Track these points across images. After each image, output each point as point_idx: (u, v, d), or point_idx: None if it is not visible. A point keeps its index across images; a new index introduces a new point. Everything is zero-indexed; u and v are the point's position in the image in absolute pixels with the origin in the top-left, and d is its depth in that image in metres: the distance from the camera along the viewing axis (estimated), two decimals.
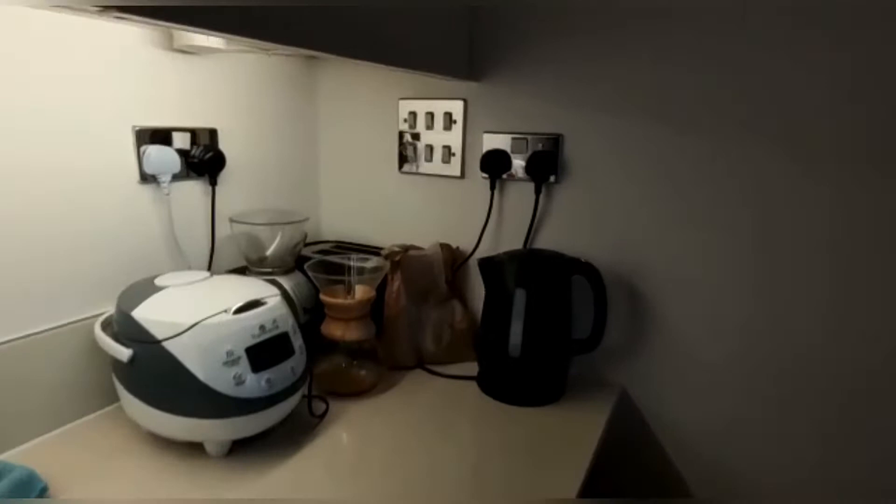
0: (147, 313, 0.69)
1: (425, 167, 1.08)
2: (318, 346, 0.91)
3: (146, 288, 0.74)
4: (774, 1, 0.76)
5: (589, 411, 0.88)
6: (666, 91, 0.85)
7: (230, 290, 0.77)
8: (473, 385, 0.95)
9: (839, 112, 0.76)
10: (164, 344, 0.67)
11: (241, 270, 0.98)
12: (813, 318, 0.82)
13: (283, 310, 0.77)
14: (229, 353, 0.68)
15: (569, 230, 0.97)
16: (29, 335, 0.73)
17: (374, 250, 1.11)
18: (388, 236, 1.15)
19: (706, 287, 0.88)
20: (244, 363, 0.69)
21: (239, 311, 0.71)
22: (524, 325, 0.87)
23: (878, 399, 0.81)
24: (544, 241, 1.00)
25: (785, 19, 0.76)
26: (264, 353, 0.71)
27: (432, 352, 1.02)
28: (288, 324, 0.76)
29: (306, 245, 1.13)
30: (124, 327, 0.70)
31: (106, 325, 0.75)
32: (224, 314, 0.70)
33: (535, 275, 0.88)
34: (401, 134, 1.09)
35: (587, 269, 0.88)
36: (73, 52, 0.73)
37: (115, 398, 0.77)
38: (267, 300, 0.75)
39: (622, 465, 1.01)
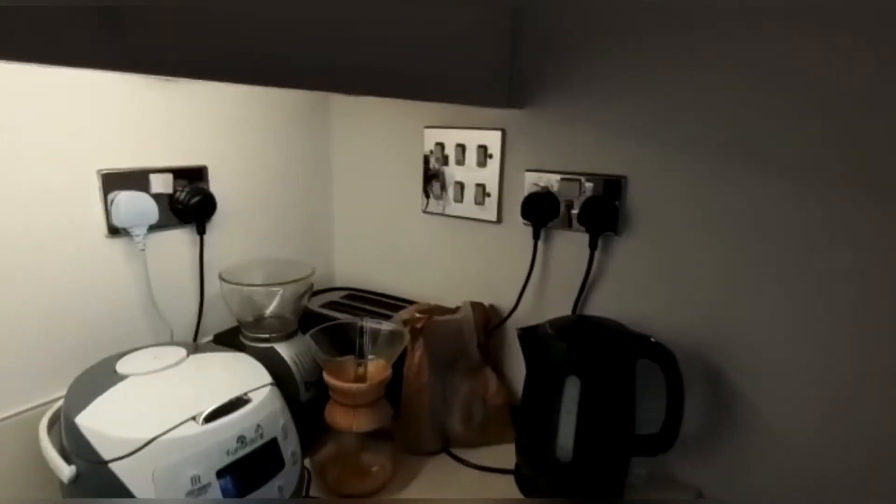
0: (93, 421, 0.53)
1: (454, 208, 0.91)
2: (322, 425, 0.75)
3: (102, 377, 0.59)
4: None
5: None
6: (767, 125, 0.66)
7: (208, 378, 0.61)
8: (511, 482, 0.77)
9: None
10: (112, 466, 0.51)
11: (234, 331, 0.83)
12: None
13: (274, 405, 0.61)
14: (195, 480, 0.52)
15: (631, 294, 0.78)
16: None
17: (393, 303, 0.95)
18: (410, 285, 0.99)
19: (813, 375, 0.68)
20: (215, 490, 0.53)
21: (212, 416, 0.55)
22: (577, 421, 0.68)
23: None
24: (598, 306, 0.81)
25: None
26: (243, 473, 0.55)
27: (461, 433, 0.84)
28: (278, 426, 0.60)
29: (315, 294, 0.98)
30: (68, 436, 0.55)
31: (54, 422, 0.60)
32: (192, 423, 0.54)
33: (592, 358, 0.70)
34: (426, 168, 0.93)
35: (659, 353, 0.69)
36: (18, 82, 0.59)
37: None
38: (252, 395, 0.59)
39: None
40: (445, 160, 0.90)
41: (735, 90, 0.67)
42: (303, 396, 0.78)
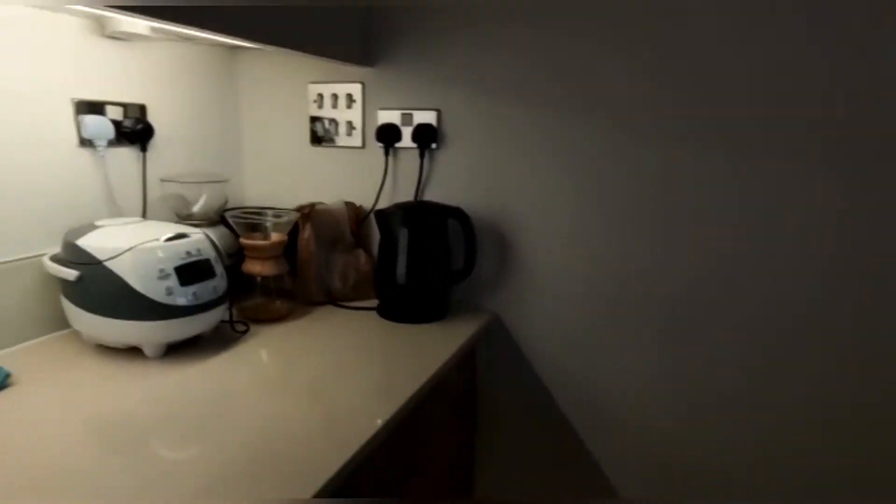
0: (90, 241, 0.86)
1: (332, 140, 1.29)
2: (241, 286, 1.09)
3: (88, 227, 0.91)
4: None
5: (462, 328, 1.11)
6: (524, 76, 1.10)
7: (161, 228, 0.94)
8: (374, 314, 1.16)
9: (645, 87, 1.03)
10: (106, 263, 0.84)
11: None
12: (646, 251, 1.09)
13: (207, 243, 0.96)
14: (161, 271, 0.86)
15: (449, 186, 1.21)
16: None
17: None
18: (304, 200, 1.35)
19: (568, 231, 1.13)
20: (174, 279, 0.87)
21: (169, 240, 0.89)
22: (408, 258, 1.09)
23: (698, 308, 1.08)
24: (430, 196, 1.23)
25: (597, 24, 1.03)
26: (190, 272, 0.89)
27: (340, 289, 1.22)
28: (211, 254, 0.95)
29: (231, 209, 1.31)
30: (71, 254, 0.86)
31: (54, 259, 0.91)
32: (156, 241, 0.87)
33: (417, 219, 1.11)
34: (311, 112, 1.30)
35: (458, 213, 1.12)
36: (16, 37, 0.90)
37: (63, 325, 0.93)
38: (192, 235, 0.94)
39: (502, 383, 1.25)
40: (324, 106, 1.28)
41: (514, 57, 1.10)
42: (225, 262, 1.11)
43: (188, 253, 0.90)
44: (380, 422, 0.73)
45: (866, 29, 0.89)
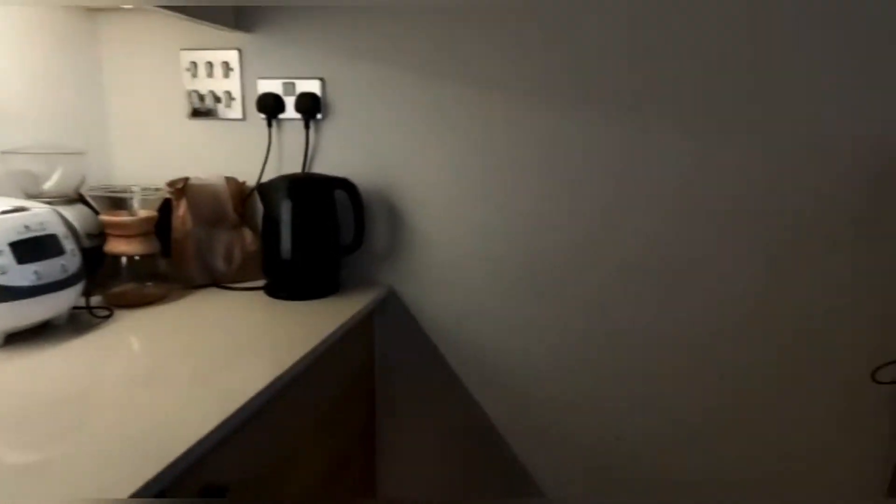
0: None
1: (211, 112, 1.20)
2: (108, 271, 0.99)
3: None
4: None
5: (354, 302, 1.07)
6: (408, 45, 1.08)
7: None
8: (261, 293, 1.10)
9: (534, 57, 1.04)
10: None
11: None
12: (534, 217, 1.11)
13: (53, 218, 0.85)
14: None
15: (337, 159, 1.16)
16: None
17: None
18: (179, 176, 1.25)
19: (451, 199, 1.13)
20: (8, 256, 0.76)
21: (3, 213, 0.78)
22: (292, 231, 1.04)
23: (568, 267, 1.11)
24: (318, 170, 1.18)
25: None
26: (30, 248, 0.79)
27: (225, 271, 1.14)
28: (59, 229, 0.85)
29: (94, 188, 1.19)
30: None
31: None
32: None
33: (302, 190, 1.05)
34: (185, 82, 1.20)
35: (345, 184, 1.08)
36: None
37: None
38: (33, 208, 0.83)
39: (400, 357, 1.23)
40: (199, 75, 1.19)
41: (404, 29, 1.07)
42: (84, 244, 1.01)
43: (27, 227, 0.79)
44: (245, 397, 0.68)
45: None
